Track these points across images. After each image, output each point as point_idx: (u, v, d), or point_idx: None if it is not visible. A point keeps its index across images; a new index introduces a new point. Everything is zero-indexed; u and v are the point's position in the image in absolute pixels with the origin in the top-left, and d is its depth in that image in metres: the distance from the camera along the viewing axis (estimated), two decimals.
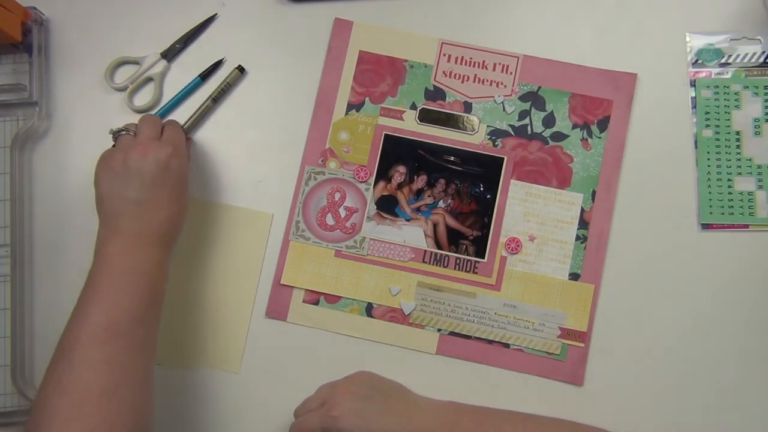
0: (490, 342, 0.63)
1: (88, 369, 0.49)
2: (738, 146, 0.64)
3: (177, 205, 0.58)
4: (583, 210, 0.64)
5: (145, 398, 0.51)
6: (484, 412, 0.59)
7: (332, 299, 0.64)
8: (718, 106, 0.65)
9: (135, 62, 0.67)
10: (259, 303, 0.65)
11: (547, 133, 0.65)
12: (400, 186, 0.65)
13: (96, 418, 0.47)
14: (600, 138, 0.65)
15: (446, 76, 0.66)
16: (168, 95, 0.67)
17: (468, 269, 0.64)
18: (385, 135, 0.66)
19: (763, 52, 0.65)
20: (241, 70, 0.66)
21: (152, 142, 0.57)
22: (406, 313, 0.64)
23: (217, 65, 0.67)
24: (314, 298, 0.64)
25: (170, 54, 0.67)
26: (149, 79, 0.67)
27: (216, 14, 0.68)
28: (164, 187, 0.56)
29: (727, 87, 0.65)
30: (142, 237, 0.55)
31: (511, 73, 0.66)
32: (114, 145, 0.59)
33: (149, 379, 0.53)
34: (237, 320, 0.64)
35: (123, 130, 0.59)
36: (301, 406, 0.59)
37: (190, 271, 0.65)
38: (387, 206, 0.65)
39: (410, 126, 0.66)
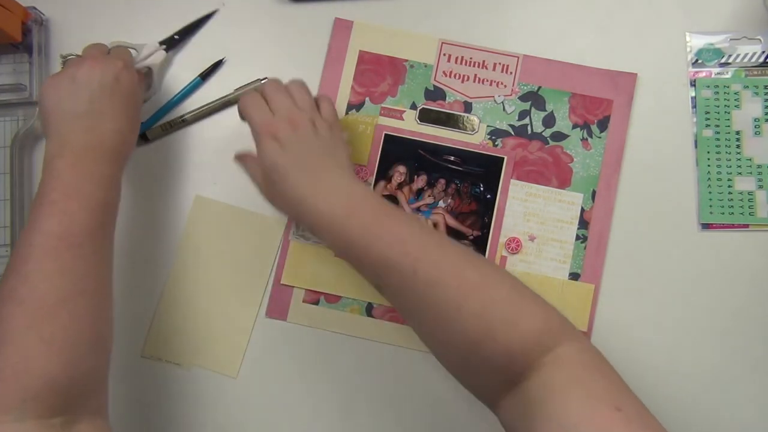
0: None
1: (42, 279, 0.48)
2: (738, 146, 0.64)
3: (126, 119, 0.58)
4: (583, 210, 0.64)
5: (104, 307, 0.52)
6: (387, 207, 0.55)
7: (332, 299, 0.64)
8: (718, 106, 0.65)
9: (132, 48, 0.67)
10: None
11: (547, 133, 0.65)
12: (400, 186, 0.65)
13: (53, 326, 0.47)
14: (600, 138, 0.65)
15: (446, 76, 0.66)
16: (168, 95, 0.67)
17: None
18: (385, 135, 0.66)
19: (763, 52, 0.65)
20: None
21: (101, 56, 0.58)
22: None
23: (217, 65, 0.67)
24: (314, 298, 0.64)
25: (170, 45, 0.67)
26: (148, 69, 0.66)
27: (216, 9, 0.67)
28: (113, 100, 0.57)
29: (727, 87, 0.65)
30: (93, 151, 0.54)
31: (511, 73, 0.66)
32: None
33: (107, 289, 0.53)
34: (241, 324, 0.64)
35: (72, 55, 0.61)
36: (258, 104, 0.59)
37: (198, 270, 0.65)
38: None
39: (410, 126, 0.66)
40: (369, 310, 0.64)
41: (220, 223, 0.65)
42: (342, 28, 0.67)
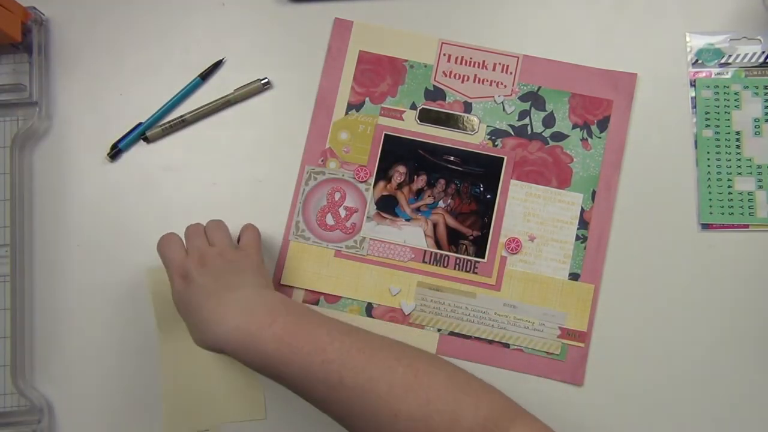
0: (490, 342, 0.63)
1: None
2: (738, 146, 0.64)
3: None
4: (583, 210, 0.64)
5: None
6: (302, 314, 0.53)
7: (332, 299, 0.64)
8: (718, 106, 0.65)
9: None
10: None
11: (547, 133, 0.65)
12: (400, 186, 0.65)
13: None
14: (600, 138, 0.65)
15: (446, 76, 0.66)
16: (167, 95, 0.67)
17: (468, 269, 0.64)
18: (385, 135, 0.66)
19: (763, 52, 0.65)
20: (265, 84, 0.66)
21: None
22: (406, 313, 0.64)
23: (217, 65, 0.67)
24: (314, 298, 0.64)
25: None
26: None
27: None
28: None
29: (727, 87, 0.65)
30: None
31: (511, 73, 0.66)
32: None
33: None
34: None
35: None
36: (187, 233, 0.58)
37: (186, 336, 0.61)
38: (387, 206, 0.65)
39: (410, 126, 0.66)
40: (369, 310, 0.64)
41: None
42: (342, 28, 0.67)
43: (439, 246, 0.64)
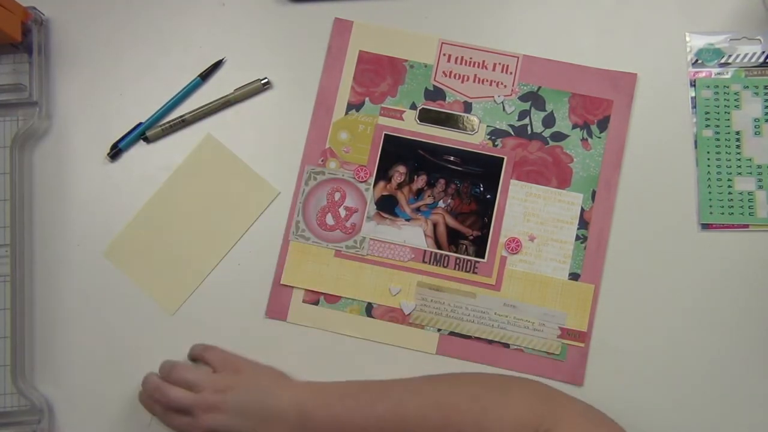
0: (490, 342, 0.63)
1: None
2: (738, 146, 0.64)
3: None
4: (583, 210, 0.64)
5: None
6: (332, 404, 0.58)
7: (332, 299, 0.64)
8: (718, 106, 0.65)
9: None
10: (259, 303, 0.65)
11: (547, 133, 0.65)
12: (400, 186, 0.65)
13: None
14: (600, 138, 0.65)
15: (446, 76, 0.66)
16: (167, 95, 0.67)
17: (468, 269, 0.64)
18: (385, 135, 0.66)
19: (763, 52, 0.65)
20: (265, 84, 0.66)
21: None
22: (406, 313, 0.64)
23: (217, 65, 0.67)
24: (314, 298, 0.64)
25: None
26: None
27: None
28: None
29: (727, 87, 0.65)
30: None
31: (511, 73, 0.66)
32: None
33: None
34: (199, 266, 0.65)
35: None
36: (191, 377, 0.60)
37: (180, 201, 0.66)
38: (387, 206, 0.65)
39: (410, 126, 0.66)
40: (369, 310, 0.64)
41: (219, 168, 0.66)
42: (342, 28, 0.67)
43: (439, 246, 0.64)
